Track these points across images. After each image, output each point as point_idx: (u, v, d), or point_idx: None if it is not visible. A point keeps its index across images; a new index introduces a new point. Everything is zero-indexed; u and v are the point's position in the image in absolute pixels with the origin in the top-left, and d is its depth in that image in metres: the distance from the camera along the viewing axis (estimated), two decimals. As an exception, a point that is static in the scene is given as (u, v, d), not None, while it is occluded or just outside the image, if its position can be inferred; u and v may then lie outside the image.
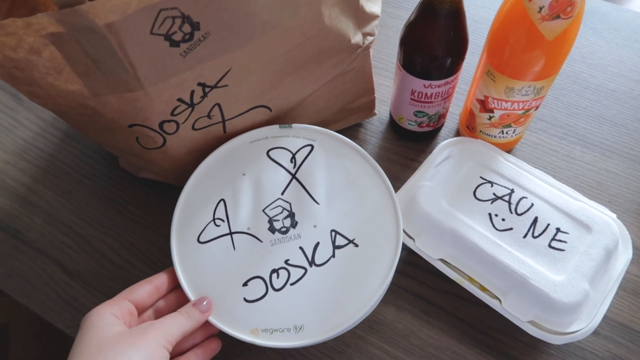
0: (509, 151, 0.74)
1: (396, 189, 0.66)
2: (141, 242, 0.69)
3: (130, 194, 0.73)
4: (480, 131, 0.70)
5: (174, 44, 0.47)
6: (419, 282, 0.65)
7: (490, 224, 0.59)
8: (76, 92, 0.49)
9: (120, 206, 0.73)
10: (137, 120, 0.54)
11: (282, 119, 0.66)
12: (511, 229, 0.58)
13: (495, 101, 0.63)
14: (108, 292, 0.65)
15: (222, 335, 0.55)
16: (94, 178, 0.75)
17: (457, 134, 0.77)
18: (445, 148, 0.67)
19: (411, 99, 0.67)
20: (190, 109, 0.55)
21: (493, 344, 0.61)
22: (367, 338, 0.62)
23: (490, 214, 0.59)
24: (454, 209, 0.60)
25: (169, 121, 0.55)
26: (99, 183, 0.75)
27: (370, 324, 0.63)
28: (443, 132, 0.77)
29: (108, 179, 0.75)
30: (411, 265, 0.66)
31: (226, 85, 0.55)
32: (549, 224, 0.58)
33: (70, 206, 0.73)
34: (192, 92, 0.53)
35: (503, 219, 0.59)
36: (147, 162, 0.63)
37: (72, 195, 0.74)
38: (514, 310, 0.55)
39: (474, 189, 0.61)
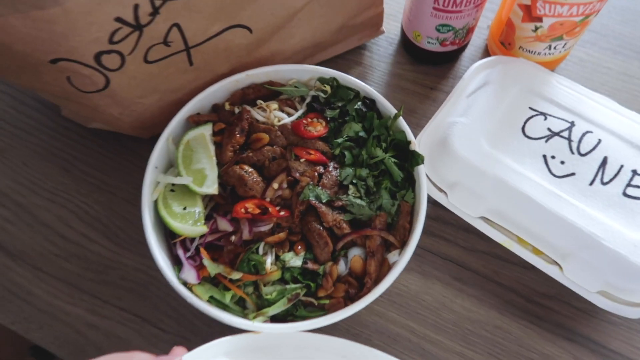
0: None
1: (415, 125, 0.52)
2: (99, 209, 0.56)
3: (79, 150, 0.58)
4: (520, 47, 0.55)
5: None
6: (448, 242, 0.53)
7: (546, 169, 0.46)
8: (-43, 12, 0.33)
9: (69, 164, 0.58)
10: (60, 53, 0.38)
11: (267, 42, 0.50)
12: (573, 174, 0.45)
13: (547, 5, 0.48)
14: (61, 275, 0.52)
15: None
16: (33, 131, 0.59)
17: (486, 52, 0.61)
18: (479, 72, 0.52)
19: (434, 8, 0.51)
20: (137, 33, 0.39)
21: (543, 314, 0.50)
22: (387, 315, 0.50)
23: (545, 156, 0.46)
24: (498, 152, 0.46)
25: (109, 52, 0.40)
26: (39, 137, 0.59)
27: (390, 297, 0.51)
28: (468, 51, 0.62)
29: (51, 132, 0.59)
30: (438, 222, 0.53)
31: (184, -5, 0.39)
32: (622, 166, 0.45)
33: (4, 168, 0.58)
34: (136, 7, 0.37)
35: (562, 162, 0.46)
36: (92, 110, 0.48)
37: (5, 154, 0.58)
38: (579, 278, 0.44)
39: (522, 124, 0.48)
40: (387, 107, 0.49)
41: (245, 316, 0.44)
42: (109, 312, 0.51)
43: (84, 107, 0.48)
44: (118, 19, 0.37)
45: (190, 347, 0.49)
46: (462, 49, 0.59)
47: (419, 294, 0.51)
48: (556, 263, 0.45)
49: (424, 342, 0.49)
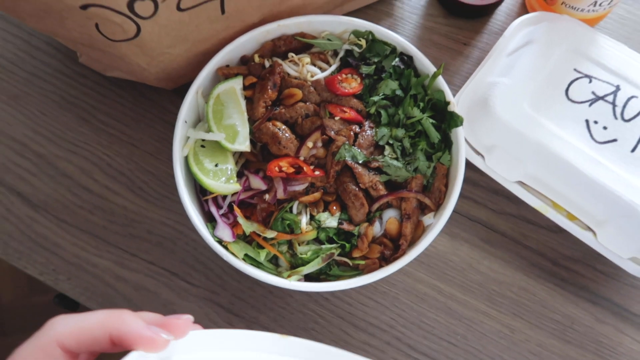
0: (589, 29, 0.57)
1: (448, 83, 0.50)
2: (121, 162, 0.54)
3: (98, 99, 0.56)
4: (562, 3, 0.52)
5: None
6: (477, 204, 0.53)
7: (588, 135, 0.45)
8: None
9: (87, 114, 0.56)
10: (92, -2, 0.35)
11: (300, -11, 0.47)
12: (615, 140, 0.44)
13: (600, -41, 0.45)
14: (86, 227, 0.52)
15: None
16: (48, 77, 0.57)
17: (523, 7, 0.59)
18: (521, 28, 0.50)
19: (478, -43, 0.48)
20: (172, -22, 0.37)
21: (568, 277, 0.50)
22: (415, 275, 0.51)
23: (587, 121, 0.45)
24: (540, 115, 0.45)
25: (142, -2, 0.37)
26: (54, 84, 0.57)
27: (418, 257, 0.50)
28: (504, 5, 0.59)
29: (66, 79, 0.57)
30: (467, 184, 0.53)
31: (226, -62, 0.36)
32: (665, 134, 0.44)
33: (21, 116, 0.55)
34: (175, -51, 0.34)
35: (605, 127, 0.45)
36: (116, 59, 0.46)
37: (20, 102, 0.56)
38: (612, 244, 0.44)
39: (566, 86, 0.46)
40: (426, 64, 0.47)
41: (279, 274, 0.44)
42: (137, 265, 0.51)
43: (107, 56, 0.46)
44: (155, -37, 0.34)
45: (219, 302, 0.50)
46: (499, 2, 0.56)
47: (446, 254, 0.51)
48: (590, 229, 0.45)
49: (451, 301, 0.50)
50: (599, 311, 0.50)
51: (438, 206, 0.45)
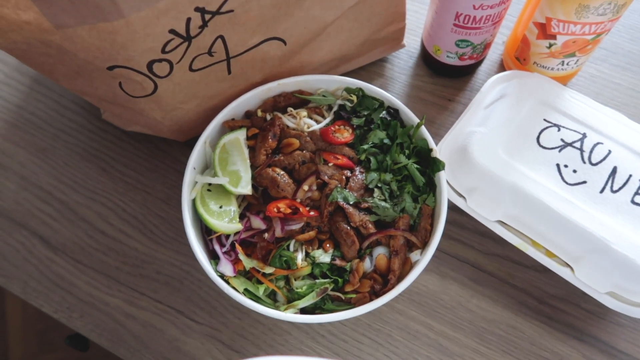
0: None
1: (433, 134, 0.55)
2: (135, 207, 0.59)
3: (117, 151, 0.62)
4: (534, 63, 0.58)
5: (161, -50, 0.34)
6: (465, 245, 0.56)
7: (559, 177, 0.48)
8: (32, 23, 0.37)
9: (107, 165, 0.61)
10: (118, 61, 0.42)
11: (298, 54, 0.54)
12: (585, 182, 0.48)
13: (561, 24, 0.51)
14: (100, 267, 0.56)
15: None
16: (73, 132, 0.63)
17: (502, 67, 0.65)
18: (496, 85, 0.55)
19: (454, 24, 0.54)
20: (186, 44, 0.43)
21: (555, 315, 0.52)
22: (407, 312, 0.53)
23: (558, 165, 0.49)
24: (514, 160, 0.49)
25: (160, 61, 0.43)
26: (79, 138, 0.63)
27: (410, 296, 0.54)
28: (484, 65, 0.65)
29: (90, 133, 0.63)
30: (455, 226, 0.56)
31: (231, 11, 0.42)
32: (631, 175, 0.48)
33: (47, 167, 0.61)
34: (188, 20, 0.41)
35: (574, 171, 0.49)
36: (135, 114, 0.52)
37: (48, 154, 0.62)
38: (590, 279, 0.47)
39: (537, 134, 0.50)
40: (410, 116, 0.52)
41: (276, 308, 0.47)
42: (146, 304, 0.54)
43: (128, 111, 0.52)
44: (172, 31, 0.41)
45: (221, 339, 0.53)
46: (479, 63, 0.63)
47: (437, 293, 0.54)
48: (568, 265, 0.48)
49: (442, 338, 0.52)
50: (586, 349, 0.51)
51: (424, 244, 0.49)
